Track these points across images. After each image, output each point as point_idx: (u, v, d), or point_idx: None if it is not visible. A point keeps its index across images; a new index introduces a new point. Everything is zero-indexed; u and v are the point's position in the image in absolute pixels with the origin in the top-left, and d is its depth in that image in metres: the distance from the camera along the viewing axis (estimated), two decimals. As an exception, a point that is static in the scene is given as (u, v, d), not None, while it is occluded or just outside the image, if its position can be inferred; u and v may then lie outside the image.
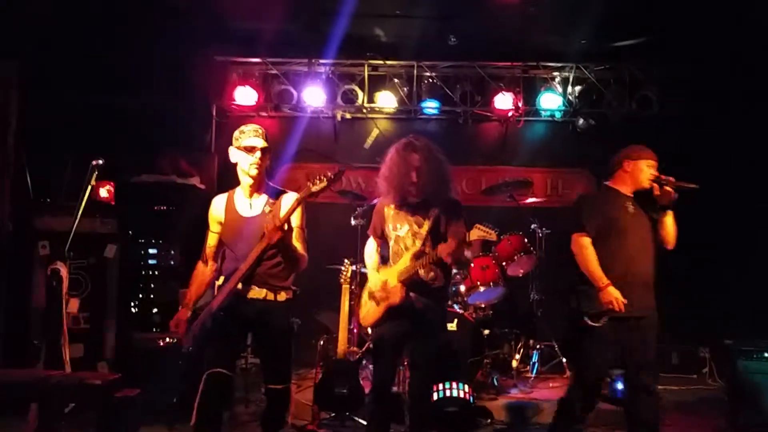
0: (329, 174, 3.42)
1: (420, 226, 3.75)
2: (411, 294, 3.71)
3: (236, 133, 3.64)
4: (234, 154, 3.65)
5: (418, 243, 3.71)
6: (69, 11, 5.48)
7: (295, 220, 3.64)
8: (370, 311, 3.87)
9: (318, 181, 3.41)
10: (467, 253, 5.98)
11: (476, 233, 3.55)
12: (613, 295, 3.65)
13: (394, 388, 4.47)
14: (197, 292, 3.77)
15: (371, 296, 3.85)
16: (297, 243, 3.62)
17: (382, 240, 3.99)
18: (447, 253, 3.56)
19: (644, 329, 3.80)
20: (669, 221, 3.87)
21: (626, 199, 3.93)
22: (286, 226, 3.47)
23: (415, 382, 3.82)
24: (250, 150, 3.58)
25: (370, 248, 4.07)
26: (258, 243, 3.47)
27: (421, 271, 3.67)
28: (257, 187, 3.68)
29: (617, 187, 3.98)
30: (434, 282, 3.74)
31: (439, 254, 3.57)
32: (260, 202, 3.66)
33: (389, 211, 3.89)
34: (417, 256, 3.68)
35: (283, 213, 3.47)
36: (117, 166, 4.47)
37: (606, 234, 3.83)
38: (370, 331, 4.54)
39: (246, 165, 3.60)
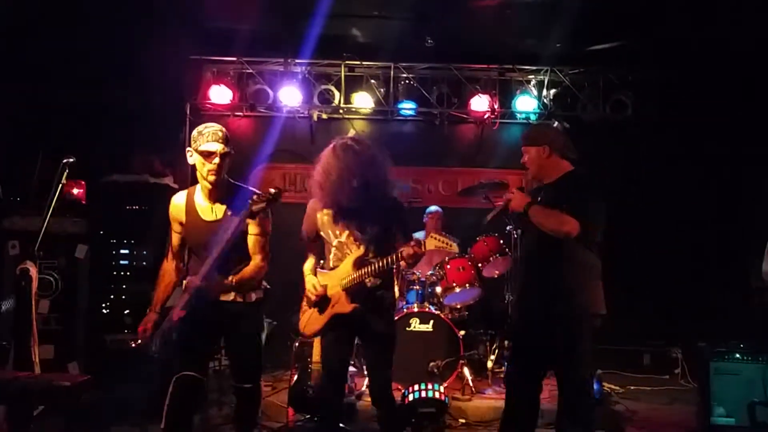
0: (270, 192, 3.27)
1: (361, 231, 3.55)
2: (356, 303, 3.52)
3: (194, 134, 3.46)
4: (191, 157, 3.48)
5: (363, 248, 3.52)
6: (40, 7, 5.38)
7: (254, 227, 3.51)
8: (312, 319, 3.68)
9: (258, 200, 3.28)
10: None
11: (432, 243, 3.40)
12: None
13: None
14: (165, 292, 3.69)
15: (310, 302, 3.68)
16: (255, 253, 3.53)
17: (315, 243, 3.81)
18: (408, 255, 3.31)
19: None
20: None
21: None
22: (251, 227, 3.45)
23: (377, 383, 3.70)
24: (207, 156, 3.42)
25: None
26: (216, 248, 3.33)
27: (367, 280, 3.51)
28: (218, 190, 3.53)
29: None
30: (379, 289, 3.60)
31: (402, 257, 3.34)
32: (222, 205, 3.54)
33: (323, 216, 3.69)
34: (359, 263, 3.50)
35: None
36: (89, 165, 4.40)
37: None
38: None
39: (204, 171, 3.45)
